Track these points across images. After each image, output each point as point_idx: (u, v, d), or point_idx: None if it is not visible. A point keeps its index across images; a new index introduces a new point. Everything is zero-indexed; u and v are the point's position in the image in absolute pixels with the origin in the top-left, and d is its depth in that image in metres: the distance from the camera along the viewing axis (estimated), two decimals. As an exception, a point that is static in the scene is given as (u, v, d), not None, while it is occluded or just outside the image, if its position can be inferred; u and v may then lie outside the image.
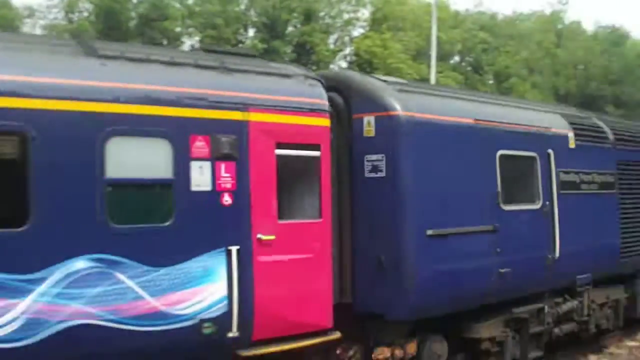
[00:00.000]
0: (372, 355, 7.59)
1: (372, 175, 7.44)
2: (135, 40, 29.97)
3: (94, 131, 5.53)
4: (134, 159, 5.77)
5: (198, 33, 35.06)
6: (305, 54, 39.01)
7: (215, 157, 6.07)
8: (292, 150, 6.60)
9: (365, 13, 42.02)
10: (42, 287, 5.28)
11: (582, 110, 11.40)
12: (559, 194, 9.18)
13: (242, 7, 37.03)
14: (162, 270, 5.77)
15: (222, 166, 6.11)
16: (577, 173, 9.60)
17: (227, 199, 6.14)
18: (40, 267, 5.28)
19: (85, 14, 30.10)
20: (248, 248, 6.23)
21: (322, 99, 6.92)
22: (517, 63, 43.19)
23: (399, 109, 7.41)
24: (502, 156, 8.40)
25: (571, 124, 9.75)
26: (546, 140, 9.16)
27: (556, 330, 9.49)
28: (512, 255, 8.39)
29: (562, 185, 9.30)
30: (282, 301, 6.45)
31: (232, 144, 6.14)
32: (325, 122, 6.90)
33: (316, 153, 6.81)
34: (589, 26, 51.64)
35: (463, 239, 7.90)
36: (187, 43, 35.19)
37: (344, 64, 42.63)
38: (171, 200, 5.87)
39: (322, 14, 39.84)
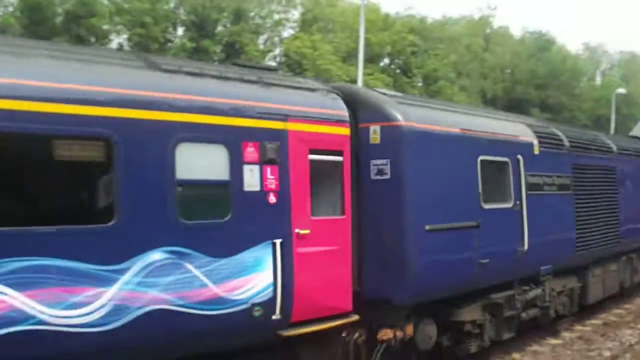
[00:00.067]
0: (377, 336, 9.03)
1: (378, 177, 8.89)
2: (61, 38, 30.18)
3: (166, 138, 6.66)
4: (198, 163, 6.95)
5: (126, 31, 35.44)
6: (234, 54, 39.93)
7: (263, 161, 7.34)
8: (321, 155, 7.98)
9: (295, 14, 43.52)
10: (126, 277, 6.30)
11: (541, 120, 13.34)
12: (527, 194, 10.97)
13: (172, 5, 37.57)
14: (222, 261, 6.98)
15: (268, 169, 7.39)
16: (540, 176, 11.45)
17: (272, 198, 7.43)
18: (124, 258, 6.31)
19: (11, 8, 30.00)
20: (289, 241, 7.54)
21: (343, 111, 8.35)
22: (446, 66, 45.65)
23: (401, 120, 8.91)
24: (482, 161, 10.08)
25: (535, 132, 11.61)
26: (516, 147, 10.94)
27: (523, 314, 11.28)
28: (490, 248, 10.06)
29: (529, 186, 11.10)
30: (315, 287, 7.80)
31: (275, 150, 7.44)
32: (346, 131, 8.32)
33: (339, 158, 8.24)
34: (516, 31, 55.44)
35: (453, 233, 9.49)
36: (115, 41, 35.53)
37: (273, 65, 44.02)
38: (228, 198, 7.09)
39: (252, 14, 40.94)
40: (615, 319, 14.58)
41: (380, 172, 8.89)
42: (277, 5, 42.21)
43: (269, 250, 7.37)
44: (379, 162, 8.88)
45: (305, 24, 42.84)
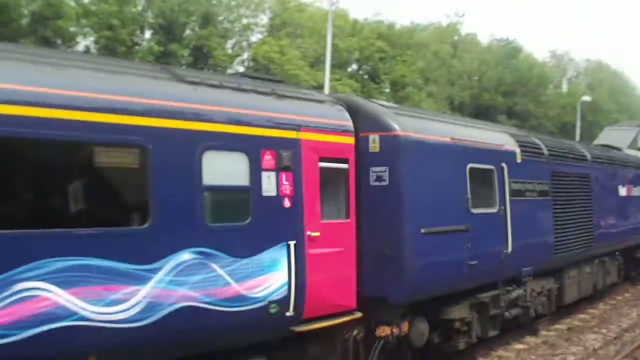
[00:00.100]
0: (376, 333, 9.87)
1: (377, 183, 9.74)
2: (27, 39, 30.37)
3: (193, 146, 7.37)
4: (222, 170, 7.68)
5: (93, 33, 35.70)
6: (202, 58, 40.60)
7: (279, 168, 8.12)
8: (330, 163, 8.82)
9: (263, 19, 44.25)
10: (159, 276, 6.95)
11: (522, 130, 14.38)
12: (510, 200, 11.96)
13: (139, 8, 37.91)
14: (243, 261, 7.72)
15: (283, 176, 8.18)
16: (522, 183, 12.47)
17: (287, 203, 8.21)
18: (157, 258, 6.97)
19: (-25, 10, 30.06)
20: (301, 243, 8.34)
21: (348, 121, 9.20)
22: (414, 72, 46.88)
23: (399, 130, 9.78)
24: (471, 168, 11.02)
25: (517, 142, 12.63)
26: (501, 155, 11.93)
27: (507, 313, 12.25)
28: (478, 250, 11.01)
29: (513, 192, 12.11)
30: (323, 286, 8.60)
31: (289, 157, 8.23)
32: (351, 140, 9.17)
33: (345, 165, 9.08)
34: (484, 39, 56.83)
35: (446, 237, 10.40)
36: (82, 43, 35.77)
37: (241, 69, 44.65)
38: (249, 203, 7.85)
39: (220, 18, 41.51)
40: (579, 324, 15.25)
41: (379, 178, 9.73)
42: (245, 10, 42.87)
43: (284, 251, 8.14)
44: (378, 169, 9.73)
45: (274, 29, 43.61)
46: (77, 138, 6.54)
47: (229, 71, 41.65)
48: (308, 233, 8.43)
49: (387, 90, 47.76)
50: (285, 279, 8.14)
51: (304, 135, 8.46)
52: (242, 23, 42.88)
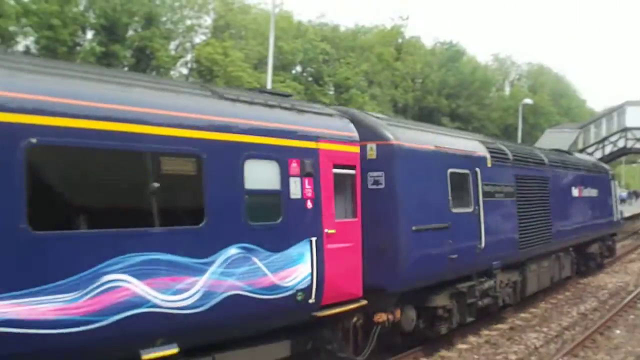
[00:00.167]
0: (374, 319, 11.74)
1: (374, 187, 11.65)
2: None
3: (237, 155, 9.07)
4: (259, 176, 9.40)
5: (34, 33, 36.31)
6: (145, 59, 41.64)
7: (303, 174, 9.91)
8: (341, 169, 10.67)
9: (207, 20, 45.66)
10: (213, 268, 8.57)
11: (490, 137, 16.59)
12: (483, 201, 14.07)
13: (81, 8, 38.62)
14: (277, 255, 9.46)
15: (306, 181, 9.96)
16: (493, 185, 14.63)
17: (309, 204, 10.01)
18: (211, 253, 8.60)
19: None
20: (321, 239, 10.15)
21: (354, 132, 11.08)
22: (358, 75, 49.07)
23: (393, 139, 11.72)
24: (451, 173, 13.07)
25: (487, 148, 14.80)
26: (474, 161, 14.05)
27: (480, 302, 14.36)
28: (458, 246, 13.07)
29: (485, 194, 14.24)
30: (338, 276, 10.43)
31: (311, 165, 10.03)
32: (357, 149, 11.07)
33: (353, 171, 10.96)
34: (427, 42, 59.67)
35: (432, 233, 12.41)
36: (22, 43, 36.32)
37: (184, 71, 45.92)
38: (280, 205, 9.60)
39: (163, 19, 42.61)
40: (521, 323, 16.27)
41: (376, 182, 11.64)
42: (189, 11, 44.09)
43: (308, 246, 9.93)
44: (375, 174, 11.64)
45: (217, 31, 45.04)
46: (151, 149, 8.03)
47: (172, 73, 42.98)
48: (326, 230, 10.24)
49: (331, 92, 49.72)
50: (309, 270, 9.92)
51: (321, 145, 10.28)
52: (185, 24, 44.07)
